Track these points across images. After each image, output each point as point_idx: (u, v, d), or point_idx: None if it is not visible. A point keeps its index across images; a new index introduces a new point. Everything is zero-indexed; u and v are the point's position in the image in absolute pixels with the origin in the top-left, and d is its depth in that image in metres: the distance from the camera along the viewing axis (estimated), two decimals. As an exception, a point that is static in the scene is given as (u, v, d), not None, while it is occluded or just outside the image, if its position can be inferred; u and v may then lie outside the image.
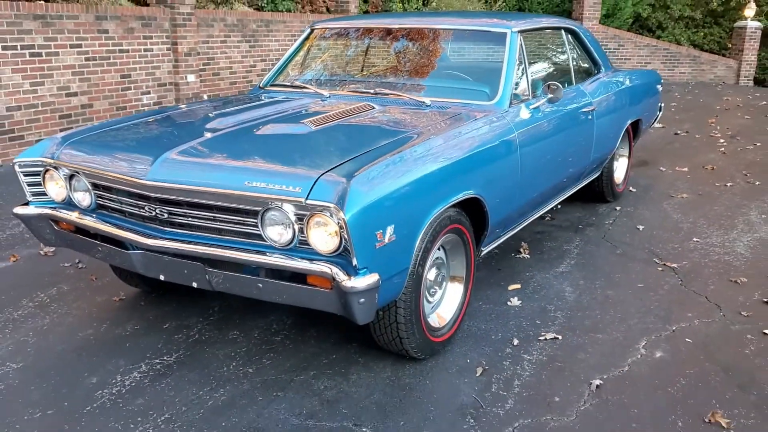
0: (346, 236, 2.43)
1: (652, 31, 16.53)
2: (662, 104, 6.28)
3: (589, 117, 4.48)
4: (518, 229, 4.00)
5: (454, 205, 3.08)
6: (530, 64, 4.09)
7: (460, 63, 4.00)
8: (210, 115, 3.45)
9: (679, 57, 14.79)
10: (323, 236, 2.52)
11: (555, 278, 4.02)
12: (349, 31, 4.41)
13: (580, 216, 5.16)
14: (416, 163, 2.83)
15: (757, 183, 6.12)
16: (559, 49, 4.59)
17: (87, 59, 7.50)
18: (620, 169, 5.60)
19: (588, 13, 14.02)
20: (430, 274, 3.10)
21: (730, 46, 15.64)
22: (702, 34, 16.76)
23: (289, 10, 11.17)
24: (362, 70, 4.29)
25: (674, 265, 4.20)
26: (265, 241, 2.64)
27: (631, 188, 5.89)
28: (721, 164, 6.88)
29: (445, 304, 3.24)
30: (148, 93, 8.42)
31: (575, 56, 4.77)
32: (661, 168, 6.67)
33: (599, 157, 4.85)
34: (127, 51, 8.03)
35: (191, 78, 8.99)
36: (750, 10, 14.44)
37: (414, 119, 3.45)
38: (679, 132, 8.67)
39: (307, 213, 2.51)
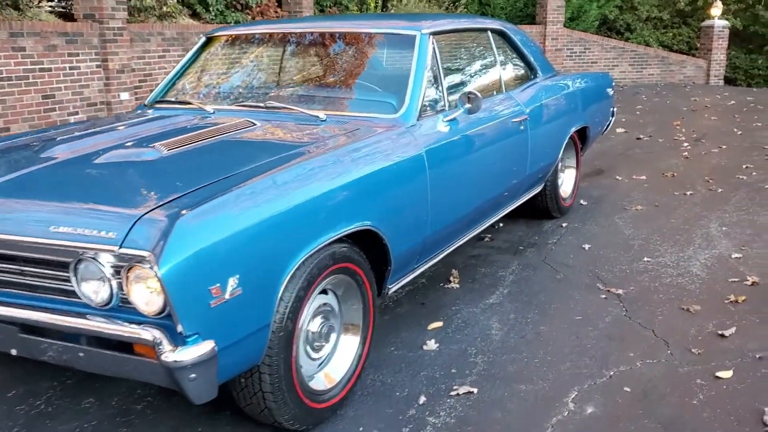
0: (165, 295, 1.92)
1: (621, 33, 16.17)
2: (615, 109, 5.82)
3: (522, 127, 4.00)
4: (443, 255, 3.50)
5: (342, 239, 2.58)
6: (448, 70, 3.61)
7: (367, 71, 3.51)
8: (54, 140, 2.93)
9: (647, 58, 14.43)
10: (145, 293, 2.00)
11: (483, 312, 3.51)
12: (246, 38, 3.90)
13: (522, 235, 4.67)
14: (280, 192, 2.32)
15: (720, 190, 5.66)
16: (485, 53, 4.10)
17: (0, 79, 6.94)
18: (567, 181, 5.12)
19: (552, 16, 13.62)
20: (313, 326, 2.57)
21: (698, 46, 15.32)
22: (671, 34, 16.42)
23: (237, 22, 10.66)
24: (258, 81, 3.78)
25: (619, 291, 3.71)
26: (81, 299, 2.12)
27: (581, 201, 5.41)
28: (683, 170, 6.43)
29: (336, 360, 2.72)
30: (76, 113, 7.86)
31: (504, 60, 4.28)
32: (618, 177, 6.20)
33: (538, 170, 4.36)
34: (50, 69, 7.47)
35: (125, 96, 8.44)
36: (716, 9, 14.11)
37: (298, 137, 2.95)
38: (641, 136, 8.23)
39: (124, 264, 2.00)
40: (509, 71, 4.32)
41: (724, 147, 7.46)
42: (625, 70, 14.23)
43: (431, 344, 3.18)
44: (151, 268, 1.92)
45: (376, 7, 12.32)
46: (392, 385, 2.85)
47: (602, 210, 5.21)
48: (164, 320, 2.00)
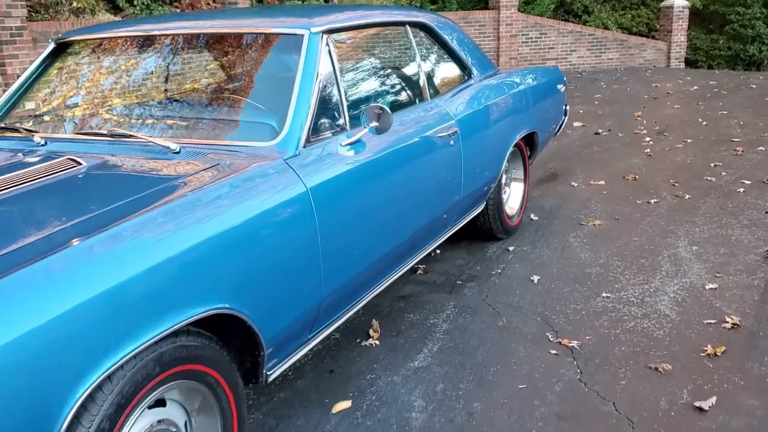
0: None
1: (578, 15, 15.55)
2: (567, 107, 5.14)
3: (451, 142, 3.28)
4: (360, 306, 2.79)
5: (181, 332, 1.84)
6: (350, 79, 2.88)
7: (241, 83, 2.75)
8: None
9: (606, 42, 13.84)
10: None
11: (405, 382, 2.80)
12: (100, 43, 3.10)
13: (462, 264, 3.96)
14: (59, 282, 1.57)
15: (687, 197, 5.02)
16: (403, 53, 3.37)
17: None
18: (514, 196, 4.43)
19: (505, 1, 12.93)
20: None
21: (658, 27, 14.78)
22: (630, 16, 15.83)
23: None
24: (109, 99, 2.99)
25: (573, 344, 3.03)
26: None
27: (532, 216, 4.72)
28: (645, 172, 5.78)
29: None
30: (-31, 125, 6.95)
31: (429, 60, 3.56)
32: (573, 183, 5.53)
33: (476, 190, 3.66)
34: (-68, 77, 6.57)
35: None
36: (675, -12, 13.57)
37: (131, 183, 2.19)
38: (600, 131, 7.58)
39: None
40: (436, 74, 3.60)
41: (689, 141, 6.85)
42: (583, 56, 13.63)
43: (332, 438, 2.46)
44: None
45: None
46: None
47: (555, 227, 4.52)
48: None
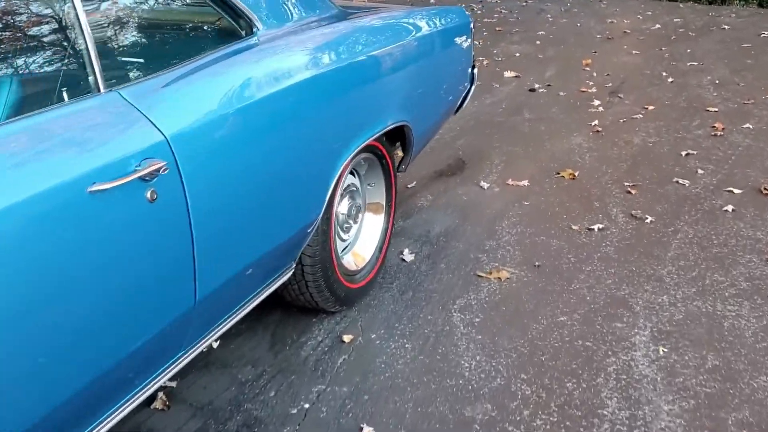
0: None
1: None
2: (475, 69, 3.28)
3: (150, 195, 1.41)
4: None
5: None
6: None
7: None
8: None
9: (556, -36, 11.81)
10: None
11: None
12: None
13: (243, 385, 2.15)
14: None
15: (648, 220, 3.27)
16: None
17: None
18: (365, 237, 2.60)
19: None
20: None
21: (617, -51, 12.78)
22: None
23: None
24: None
25: None
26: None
27: (404, 253, 2.91)
28: (590, 163, 4.01)
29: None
30: None
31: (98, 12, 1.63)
32: (483, 182, 3.71)
33: (243, 270, 1.82)
34: None
35: None
36: None
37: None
38: (536, 86, 5.74)
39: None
40: (125, 32, 1.68)
41: (650, 108, 5.07)
42: (530, -21, 11.58)
43: None
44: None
45: None
46: None
47: (436, 283, 2.73)
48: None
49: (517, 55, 6.96)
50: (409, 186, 3.66)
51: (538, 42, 7.65)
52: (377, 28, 2.49)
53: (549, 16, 9.45)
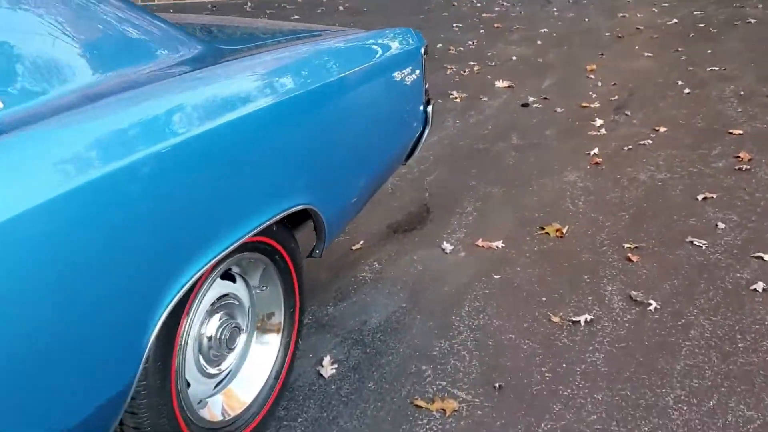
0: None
1: None
2: (430, 105, 2.54)
3: None
4: None
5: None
6: None
7: None
8: None
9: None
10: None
11: None
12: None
13: None
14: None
15: (653, 306, 2.50)
16: None
17: None
18: (250, 371, 1.87)
19: None
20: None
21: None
22: None
23: None
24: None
25: None
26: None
27: (321, 368, 2.18)
28: (584, 211, 3.25)
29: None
30: None
31: None
32: (445, 244, 2.96)
33: None
34: None
35: None
36: None
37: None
38: (530, 99, 4.97)
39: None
40: None
41: (662, 130, 4.29)
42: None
43: None
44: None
45: None
46: None
47: (355, 420, 1.99)
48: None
49: (514, 58, 6.20)
50: (353, 248, 2.93)
51: (538, 42, 6.86)
52: (281, 60, 1.76)
53: (555, 9, 8.65)
